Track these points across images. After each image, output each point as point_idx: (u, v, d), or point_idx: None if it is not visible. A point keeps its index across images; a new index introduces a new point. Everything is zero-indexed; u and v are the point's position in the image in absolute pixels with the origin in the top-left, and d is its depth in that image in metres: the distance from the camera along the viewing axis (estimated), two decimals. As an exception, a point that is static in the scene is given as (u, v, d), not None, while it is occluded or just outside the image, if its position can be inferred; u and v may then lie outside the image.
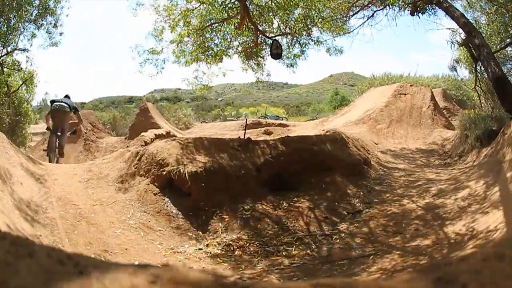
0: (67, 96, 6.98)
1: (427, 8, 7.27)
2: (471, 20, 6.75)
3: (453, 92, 15.41)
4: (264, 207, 4.62)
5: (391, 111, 9.97)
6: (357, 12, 8.09)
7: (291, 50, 8.30)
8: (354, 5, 7.94)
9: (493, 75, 5.44)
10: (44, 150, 7.07)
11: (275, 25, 8.03)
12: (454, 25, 6.91)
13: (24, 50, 7.76)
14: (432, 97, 10.13)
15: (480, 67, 6.97)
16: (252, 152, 5.14)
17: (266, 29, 8.02)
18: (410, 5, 7.33)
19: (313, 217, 4.51)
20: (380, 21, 10.98)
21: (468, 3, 7.82)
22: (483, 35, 6.26)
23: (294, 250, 3.86)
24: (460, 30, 6.80)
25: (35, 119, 9.59)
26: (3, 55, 7.59)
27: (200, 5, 7.33)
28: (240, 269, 3.51)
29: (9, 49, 7.58)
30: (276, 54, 7.89)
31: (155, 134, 10.47)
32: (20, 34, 7.55)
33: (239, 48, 8.39)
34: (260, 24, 7.82)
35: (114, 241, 3.73)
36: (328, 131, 7.26)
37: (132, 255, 3.55)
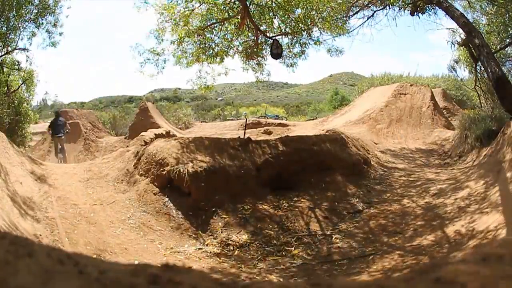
0: (57, 114, 8.78)
1: (427, 8, 7.26)
2: (471, 20, 6.74)
3: (453, 92, 15.39)
4: (264, 206, 4.62)
5: (391, 111, 9.97)
6: (357, 12, 8.09)
7: (291, 49, 8.30)
8: (354, 5, 7.94)
9: (493, 75, 5.43)
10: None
11: (276, 25, 8.03)
12: (454, 25, 6.91)
13: (24, 49, 7.75)
14: (432, 97, 10.14)
15: (480, 67, 6.96)
16: (252, 152, 5.14)
17: (267, 29, 8.01)
18: (410, 5, 7.33)
19: (313, 217, 4.51)
20: (380, 21, 10.96)
21: (468, 3, 7.80)
22: (483, 35, 6.26)
23: (294, 250, 3.86)
24: (460, 30, 6.79)
25: (35, 119, 9.58)
26: (3, 55, 7.57)
27: (200, 5, 7.32)
28: (240, 268, 3.51)
29: (9, 48, 7.57)
30: (277, 54, 7.89)
31: (155, 134, 10.45)
32: (20, 33, 7.54)
33: (240, 48, 8.38)
34: (261, 24, 7.82)
35: (114, 240, 3.73)
36: (328, 131, 7.27)
37: (132, 254, 3.56)
